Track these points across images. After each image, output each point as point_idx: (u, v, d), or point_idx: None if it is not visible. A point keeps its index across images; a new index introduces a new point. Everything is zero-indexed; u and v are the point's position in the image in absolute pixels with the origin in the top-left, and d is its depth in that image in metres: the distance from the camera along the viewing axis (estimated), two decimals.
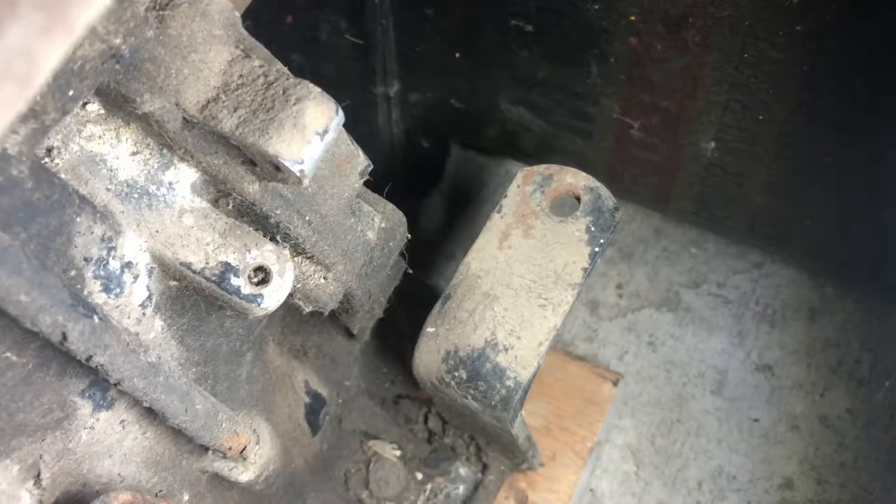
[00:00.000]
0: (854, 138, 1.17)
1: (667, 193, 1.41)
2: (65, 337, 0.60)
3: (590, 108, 1.32)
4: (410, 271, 1.07)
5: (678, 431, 1.40)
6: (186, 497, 0.91)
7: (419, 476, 1.25)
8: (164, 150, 0.71)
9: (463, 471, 1.24)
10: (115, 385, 0.68)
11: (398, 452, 1.25)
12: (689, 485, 1.36)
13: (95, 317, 0.62)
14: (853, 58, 1.06)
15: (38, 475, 0.73)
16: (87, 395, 0.73)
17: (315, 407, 1.08)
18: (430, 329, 1.00)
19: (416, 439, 1.26)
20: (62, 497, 0.76)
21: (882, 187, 1.20)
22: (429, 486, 1.25)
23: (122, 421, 0.78)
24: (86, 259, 0.67)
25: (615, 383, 1.36)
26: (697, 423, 1.40)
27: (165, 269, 0.73)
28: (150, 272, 0.73)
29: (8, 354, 0.63)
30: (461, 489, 1.24)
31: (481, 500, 1.22)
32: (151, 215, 0.71)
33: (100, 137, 0.70)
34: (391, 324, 1.21)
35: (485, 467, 1.23)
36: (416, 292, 1.25)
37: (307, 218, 0.77)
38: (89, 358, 0.63)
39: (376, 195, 0.92)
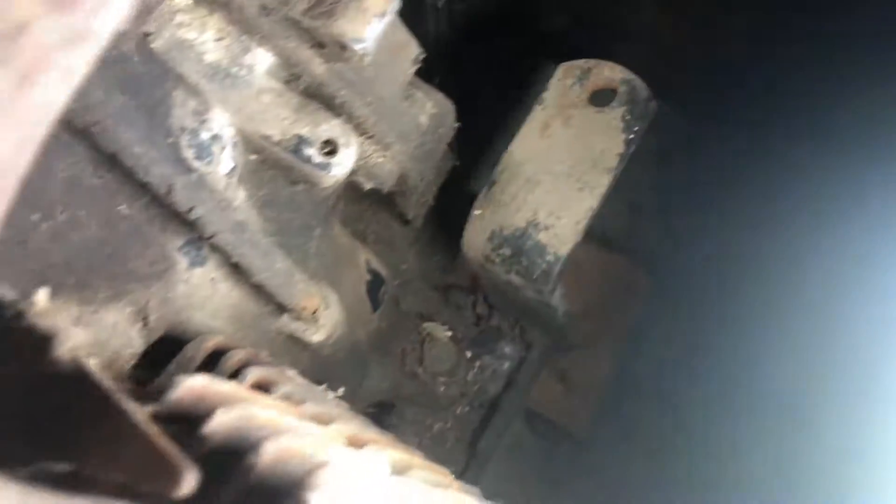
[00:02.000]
0: None
1: (703, 96, 1.46)
2: (170, 189, 0.71)
3: (628, 12, 1.37)
4: (458, 163, 1.17)
5: (712, 322, 1.48)
6: (264, 354, 1.04)
7: (468, 354, 1.37)
8: (244, 37, 0.81)
9: (508, 349, 1.36)
10: (209, 238, 0.79)
11: (449, 333, 1.37)
12: (722, 373, 1.45)
13: (195, 174, 0.73)
14: None
15: (146, 318, 0.85)
16: (184, 251, 0.85)
17: (376, 284, 1.20)
18: (476, 212, 1.10)
19: (465, 322, 1.38)
20: (162, 341, 0.89)
21: None
22: (477, 364, 1.37)
23: (213, 279, 0.90)
24: (182, 129, 0.78)
25: (652, 273, 1.45)
26: (731, 314, 1.48)
27: (247, 142, 0.84)
28: (235, 145, 0.84)
29: (122, 207, 0.75)
30: (507, 365, 1.36)
31: (525, 375, 1.33)
32: (234, 94, 0.82)
33: (188, 25, 0.80)
34: (442, 215, 1.31)
35: (528, 346, 1.35)
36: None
37: (368, 99, 0.87)
38: (190, 210, 0.74)
39: (428, 85, 1.01)
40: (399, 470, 0.64)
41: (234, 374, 0.81)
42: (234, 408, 0.48)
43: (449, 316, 1.37)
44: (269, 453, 0.46)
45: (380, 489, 0.50)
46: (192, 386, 0.49)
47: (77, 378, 0.46)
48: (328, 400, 0.87)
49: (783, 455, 1.35)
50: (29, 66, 0.34)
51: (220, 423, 0.47)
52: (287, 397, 0.72)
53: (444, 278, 1.40)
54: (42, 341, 0.48)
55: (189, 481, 0.37)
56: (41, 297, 0.51)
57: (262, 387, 0.74)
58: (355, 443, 0.66)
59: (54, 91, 0.37)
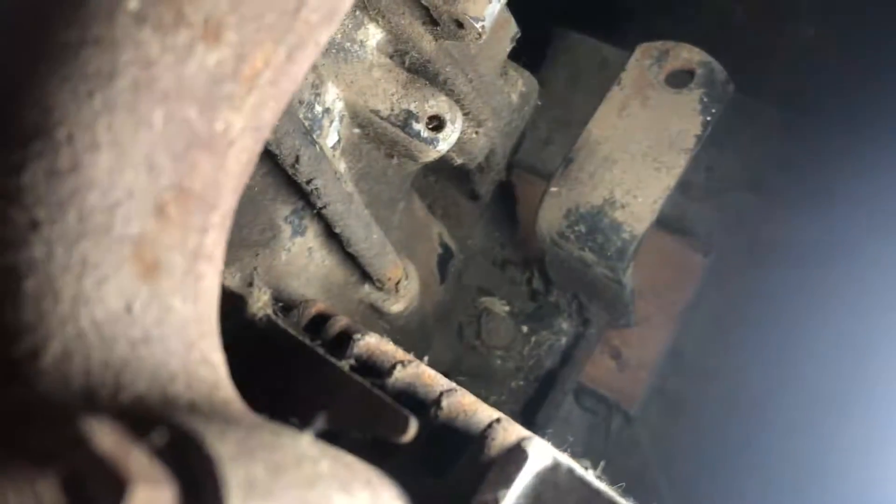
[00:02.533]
0: None
1: (762, 78, 1.48)
2: (297, 160, 0.74)
3: None
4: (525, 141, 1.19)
5: (765, 303, 1.51)
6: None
7: (525, 329, 1.40)
8: (357, 12, 0.83)
9: (565, 325, 1.39)
10: (322, 209, 0.82)
11: (507, 308, 1.40)
12: (773, 355, 1.48)
13: (317, 146, 0.76)
14: None
15: (250, 284, 0.88)
16: (288, 220, 0.88)
17: (445, 257, 1.23)
18: (553, 189, 1.12)
19: (522, 297, 1.41)
20: None
21: None
22: (534, 339, 1.40)
23: (310, 248, 0.93)
24: (300, 101, 0.80)
25: (705, 254, 1.47)
26: (784, 297, 1.51)
27: (355, 116, 0.86)
28: (342, 119, 0.87)
29: None
30: (563, 341, 1.39)
31: (582, 350, 1.37)
32: (347, 68, 0.84)
33: None
34: (504, 192, 1.34)
35: (586, 322, 1.38)
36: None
37: (469, 76, 0.89)
38: (310, 180, 0.77)
39: (515, 63, 1.03)
40: None
41: (339, 338, 0.85)
42: (408, 364, 0.51)
43: (507, 291, 1.40)
44: (447, 406, 0.49)
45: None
46: (368, 343, 0.52)
47: (272, 334, 0.49)
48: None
49: (830, 437, 1.39)
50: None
51: (399, 377, 0.50)
52: None
53: (502, 254, 1.43)
54: (232, 300, 0.51)
55: (413, 428, 0.40)
56: None
57: None
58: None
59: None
